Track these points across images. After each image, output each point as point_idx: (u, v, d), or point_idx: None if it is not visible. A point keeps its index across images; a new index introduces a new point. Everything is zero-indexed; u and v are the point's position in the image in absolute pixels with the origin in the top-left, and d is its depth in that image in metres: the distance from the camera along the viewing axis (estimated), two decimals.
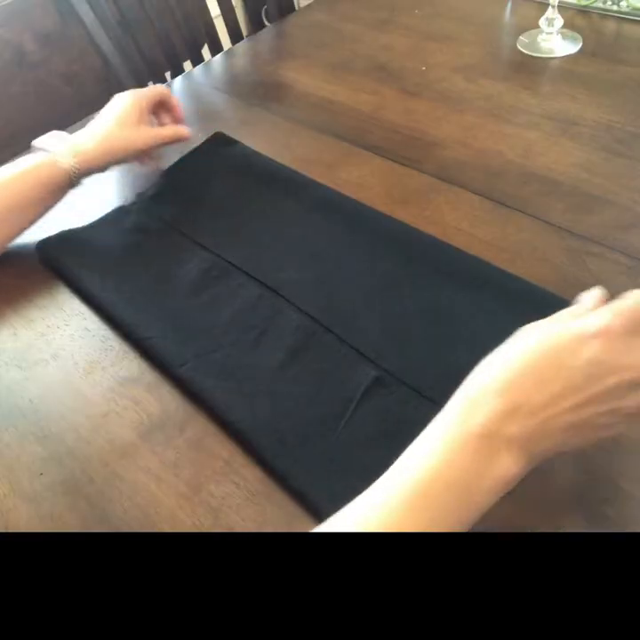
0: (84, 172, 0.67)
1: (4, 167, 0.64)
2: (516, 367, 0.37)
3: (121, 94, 0.71)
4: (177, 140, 0.72)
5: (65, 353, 0.59)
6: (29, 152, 0.69)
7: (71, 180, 0.66)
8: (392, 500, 0.34)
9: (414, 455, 0.36)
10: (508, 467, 0.35)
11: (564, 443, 0.37)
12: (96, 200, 0.74)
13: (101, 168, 0.68)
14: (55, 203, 0.68)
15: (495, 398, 0.36)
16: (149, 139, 0.70)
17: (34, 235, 0.69)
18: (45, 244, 0.68)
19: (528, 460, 0.36)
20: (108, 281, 0.63)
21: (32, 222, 0.67)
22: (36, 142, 0.67)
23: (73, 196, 0.70)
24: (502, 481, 0.35)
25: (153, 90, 0.74)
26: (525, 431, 0.35)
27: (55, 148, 0.65)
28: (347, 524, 0.34)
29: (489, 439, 0.35)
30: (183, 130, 0.73)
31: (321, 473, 0.46)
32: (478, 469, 0.35)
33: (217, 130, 0.80)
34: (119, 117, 0.68)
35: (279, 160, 0.74)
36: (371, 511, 0.34)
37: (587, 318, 0.38)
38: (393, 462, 0.39)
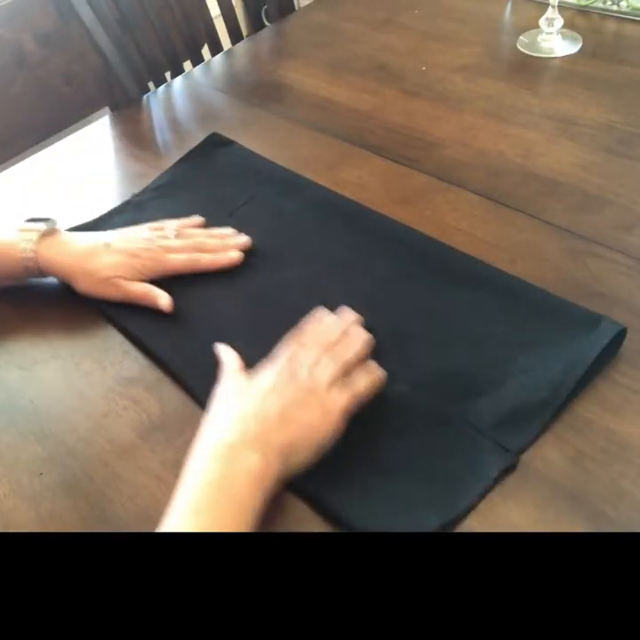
0: (42, 270, 0.61)
1: None
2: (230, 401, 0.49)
3: (140, 249, 0.62)
4: (146, 304, 0.61)
5: (65, 353, 0.59)
6: (28, 152, 0.68)
7: (27, 270, 0.61)
8: (178, 508, 0.42)
9: (189, 471, 0.44)
10: (252, 462, 0.43)
11: (301, 431, 0.46)
12: (93, 200, 0.74)
13: (59, 277, 0.63)
14: (12, 281, 0.64)
15: (231, 423, 0.46)
16: (114, 294, 0.61)
17: None
18: None
19: (273, 453, 0.44)
20: None
21: None
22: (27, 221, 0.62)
23: (71, 197, 0.70)
24: (252, 475, 0.43)
25: (167, 268, 0.62)
26: (256, 430, 0.45)
27: (25, 232, 0.61)
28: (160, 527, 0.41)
29: (230, 445, 0.44)
30: (157, 297, 0.60)
31: (325, 467, 0.46)
32: (228, 470, 0.43)
33: (217, 130, 0.80)
34: (105, 263, 0.61)
35: (279, 160, 0.74)
36: (167, 518, 0.41)
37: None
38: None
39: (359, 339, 0.52)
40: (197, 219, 0.68)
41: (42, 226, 0.61)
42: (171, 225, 0.65)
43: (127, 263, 0.61)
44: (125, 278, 0.61)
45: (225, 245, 0.64)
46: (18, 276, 0.62)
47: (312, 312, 0.54)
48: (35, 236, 0.61)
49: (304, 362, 0.49)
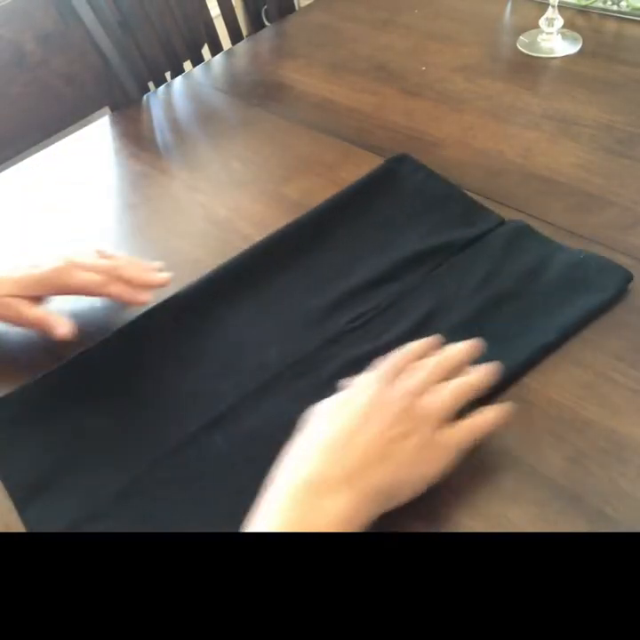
0: None
1: None
2: (319, 439, 0.41)
3: (46, 261, 0.56)
4: (41, 331, 0.56)
5: None
6: (28, 152, 0.68)
7: None
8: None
9: (261, 513, 0.39)
10: (338, 507, 0.37)
11: (404, 468, 0.40)
12: (93, 201, 0.74)
13: None
14: None
15: (314, 456, 0.40)
16: (7, 316, 0.56)
17: None
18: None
19: (366, 496, 0.38)
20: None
21: None
22: None
23: (71, 197, 0.69)
24: (335, 523, 0.37)
25: (71, 285, 0.56)
26: (345, 466, 0.39)
27: None
28: None
29: (311, 485, 0.38)
30: (55, 325, 0.55)
31: None
32: (307, 516, 0.37)
33: (217, 130, 0.80)
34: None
35: (279, 160, 0.74)
36: None
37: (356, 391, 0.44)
38: None
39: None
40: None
41: None
42: (91, 246, 0.60)
43: (24, 276, 0.55)
44: (22, 297, 0.54)
45: (141, 277, 0.58)
46: None
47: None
48: None
49: (410, 384, 0.43)
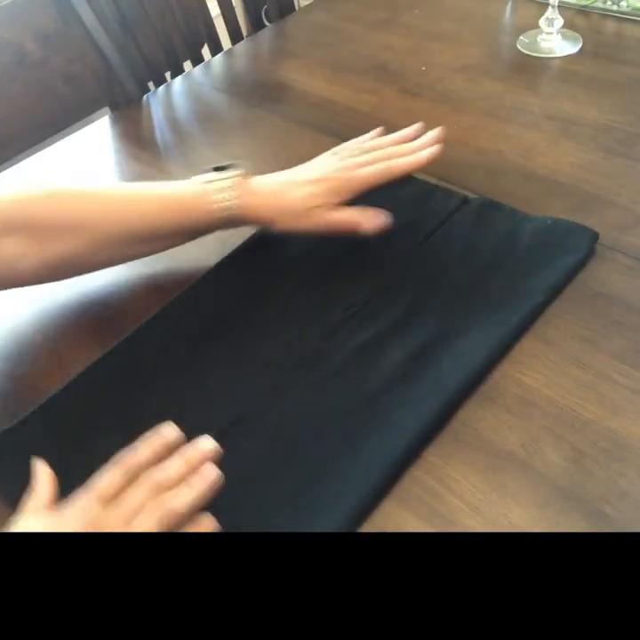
0: (241, 217, 0.60)
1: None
2: None
3: (326, 171, 0.60)
4: (348, 231, 0.59)
5: None
6: (28, 152, 0.68)
7: (220, 221, 0.60)
8: None
9: None
10: None
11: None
12: None
13: (256, 222, 0.62)
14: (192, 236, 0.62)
15: None
16: (312, 226, 0.59)
17: None
18: None
19: None
20: None
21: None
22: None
23: None
24: None
25: (359, 183, 0.59)
26: None
27: (216, 182, 0.59)
28: None
29: None
30: (359, 222, 0.58)
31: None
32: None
33: (217, 130, 0.80)
34: (294, 196, 0.59)
35: (279, 160, 0.74)
36: None
37: None
38: None
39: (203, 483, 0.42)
40: (378, 130, 0.65)
41: (233, 173, 0.60)
42: (350, 144, 0.63)
43: (316, 191, 0.59)
44: (320, 206, 0.58)
45: (421, 146, 0.61)
46: (206, 228, 0.61)
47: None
48: (229, 183, 0.59)
49: (125, 507, 0.42)
